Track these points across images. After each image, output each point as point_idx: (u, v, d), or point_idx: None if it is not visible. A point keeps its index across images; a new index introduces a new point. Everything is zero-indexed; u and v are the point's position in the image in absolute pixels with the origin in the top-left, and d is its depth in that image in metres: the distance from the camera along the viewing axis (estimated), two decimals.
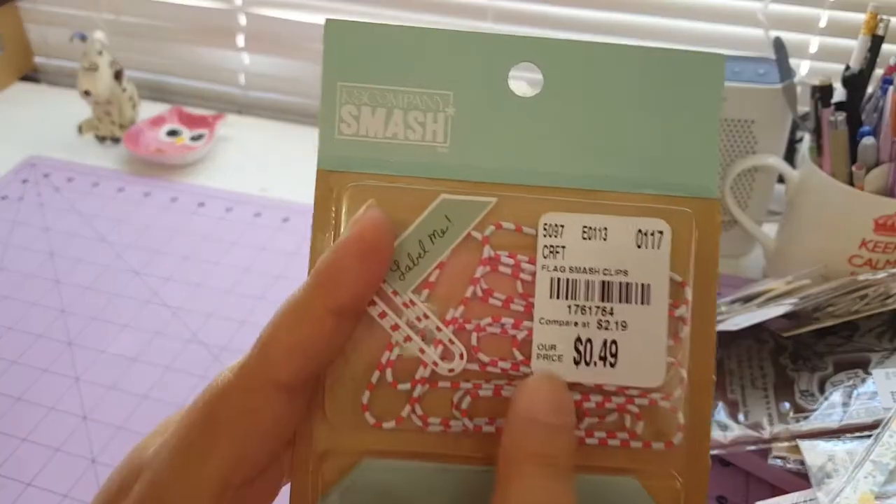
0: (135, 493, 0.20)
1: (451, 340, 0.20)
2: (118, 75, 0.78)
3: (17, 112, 0.86)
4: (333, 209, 0.21)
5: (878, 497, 0.35)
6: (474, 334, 0.21)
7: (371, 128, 0.21)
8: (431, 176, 0.21)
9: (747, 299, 0.51)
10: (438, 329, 0.21)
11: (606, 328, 0.20)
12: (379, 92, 0.21)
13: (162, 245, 0.66)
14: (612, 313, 0.21)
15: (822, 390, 0.43)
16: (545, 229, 0.21)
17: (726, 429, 0.43)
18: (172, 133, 0.80)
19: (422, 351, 0.20)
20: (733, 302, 0.52)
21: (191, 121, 0.81)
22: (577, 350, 0.20)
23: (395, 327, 0.20)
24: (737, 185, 0.61)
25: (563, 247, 0.21)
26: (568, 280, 0.21)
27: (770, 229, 0.62)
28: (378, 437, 0.21)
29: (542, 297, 0.21)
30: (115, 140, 0.79)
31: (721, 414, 0.45)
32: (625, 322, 0.20)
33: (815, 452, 0.39)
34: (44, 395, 0.52)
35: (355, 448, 0.21)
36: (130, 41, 0.90)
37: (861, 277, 0.47)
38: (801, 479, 0.40)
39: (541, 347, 0.20)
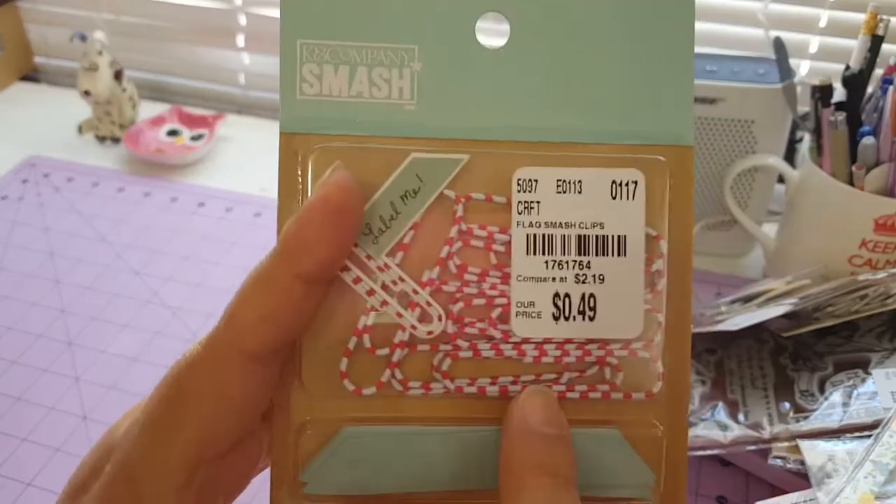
0: (106, 472, 0.19)
1: (428, 303, 0.20)
2: (118, 75, 0.78)
3: (17, 112, 0.86)
4: (299, 174, 0.20)
5: (878, 497, 0.35)
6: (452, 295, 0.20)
7: (334, 87, 0.20)
8: (400, 135, 0.20)
9: (747, 299, 0.51)
10: (415, 292, 0.20)
11: (584, 282, 0.20)
12: (341, 48, 0.20)
13: (162, 245, 0.66)
14: (589, 267, 0.20)
15: (822, 390, 0.43)
16: (519, 185, 0.20)
17: (726, 429, 0.43)
18: (172, 133, 0.80)
19: (399, 315, 0.20)
20: (733, 302, 0.52)
21: (191, 121, 0.81)
22: (555, 305, 0.20)
23: (371, 292, 0.20)
24: (737, 185, 0.61)
25: (538, 202, 0.20)
26: (544, 235, 0.20)
27: (770, 229, 0.62)
28: (358, 404, 0.20)
29: (519, 253, 0.20)
30: (115, 140, 0.79)
31: (721, 414, 0.45)
32: (602, 275, 0.20)
33: (815, 452, 0.39)
34: (44, 395, 0.52)
35: (335, 416, 0.20)
36: (130, 41, 0.90)
37: (861, 277, 0.47)
38: (801, 479, 0.40)
39: (519, 305, 0.20)
